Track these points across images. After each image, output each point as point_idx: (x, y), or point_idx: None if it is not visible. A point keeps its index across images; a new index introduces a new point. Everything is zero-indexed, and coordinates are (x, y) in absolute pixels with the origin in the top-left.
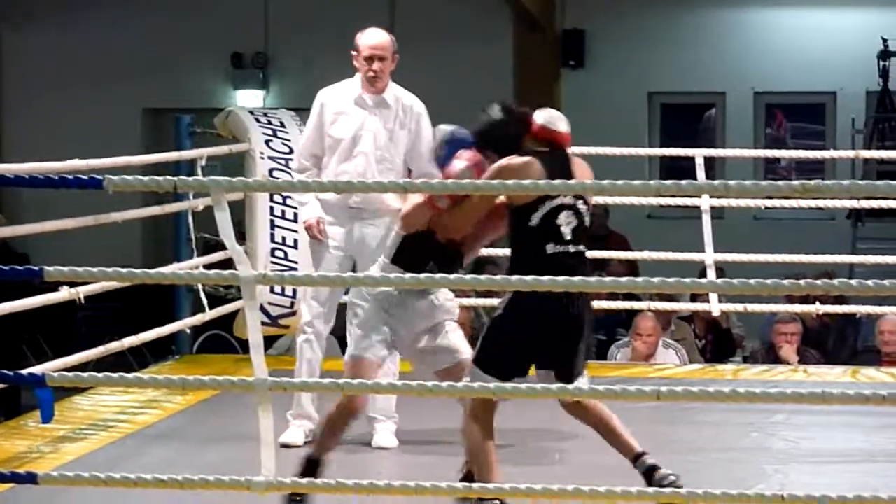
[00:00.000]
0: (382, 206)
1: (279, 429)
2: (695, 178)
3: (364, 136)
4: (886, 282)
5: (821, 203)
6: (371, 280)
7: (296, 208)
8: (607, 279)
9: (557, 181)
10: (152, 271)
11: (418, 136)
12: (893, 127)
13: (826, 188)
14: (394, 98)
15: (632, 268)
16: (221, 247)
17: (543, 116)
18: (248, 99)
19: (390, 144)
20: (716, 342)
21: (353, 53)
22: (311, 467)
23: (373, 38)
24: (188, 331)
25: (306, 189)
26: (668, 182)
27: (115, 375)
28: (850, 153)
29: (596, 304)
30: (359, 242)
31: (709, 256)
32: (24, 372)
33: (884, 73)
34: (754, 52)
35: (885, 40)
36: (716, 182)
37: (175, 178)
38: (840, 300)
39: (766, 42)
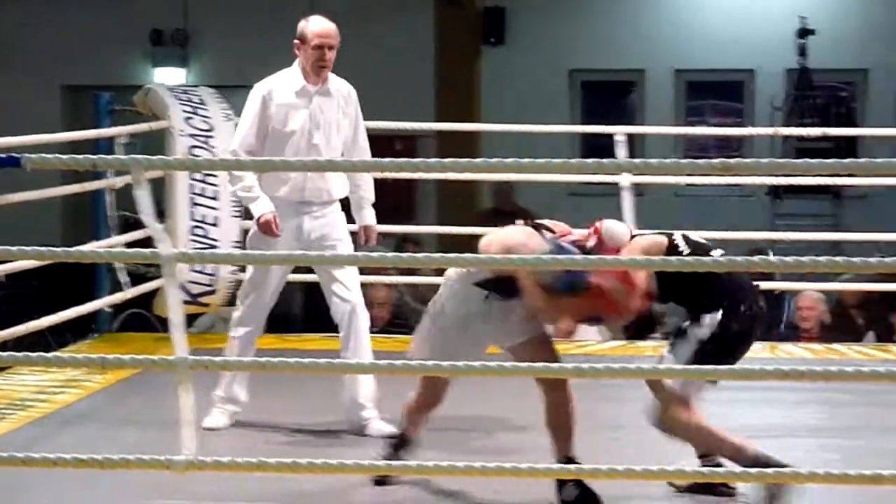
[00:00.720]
0: (330, 198)
1: (203, 409)
2: (615, 156)
3: (313, 129)
4: (806, 258)
5: (740, 180)
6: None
7: (216, 186)
8: (530, 257)
9: None
10: (72, 249)
11: (357, 123)
12: (811, 104)
13: (745, 166)
14: (334, 87)
15: None
16: (141, 225)
17: None
18: (167, 76)
19: (336, 135)
20: (637, 319)
21: (297, 42)
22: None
23: (322, 26)
24: (108, 309)
25: (231, 167)
26: (590, 160)
27: (33, 355)
28: (769, 131)
29: None
30: (308, 236)
31: None
32: None
33: (802, 52)
34: (674, 31)
35: (803, 18)
36: (636, 160)
37: (94, 157)
38: (767, 276)
39: (686, 20)
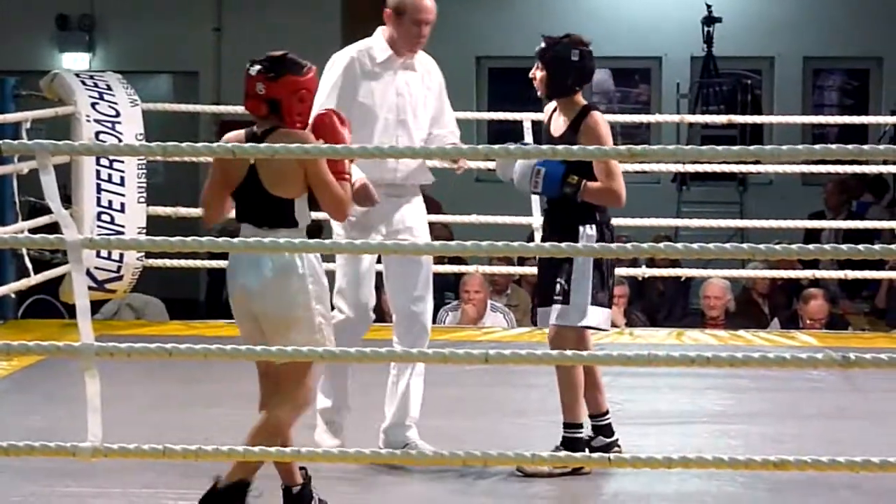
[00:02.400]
0: (417, 181)
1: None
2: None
3: (402, 105)
4: (711, 245)
5: (647, 167)
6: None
7: (123, 171)
8: (437, 243)
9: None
10: None
11: (442, 99)
12: (717, 92)
13: (652, 153)
14: (417, 60)
15: (449, 232)
16: (47, 210)
17: None
18: (73, 61)
19: (424, 111)
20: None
21: (389, 12)
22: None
23: (428, 1)
24: (13, 295)
25: (135, 152)
26: (496, 146)
27: None
28: (676, 118)
29: None
30: (399, 223)
31: (536, 220)
32: None
33: (708, 39)
34: (581, 17)
35: (709, 6)
36: (544, 146)
37: (0, 141)
38: (674, 263)
39: (595, 7)
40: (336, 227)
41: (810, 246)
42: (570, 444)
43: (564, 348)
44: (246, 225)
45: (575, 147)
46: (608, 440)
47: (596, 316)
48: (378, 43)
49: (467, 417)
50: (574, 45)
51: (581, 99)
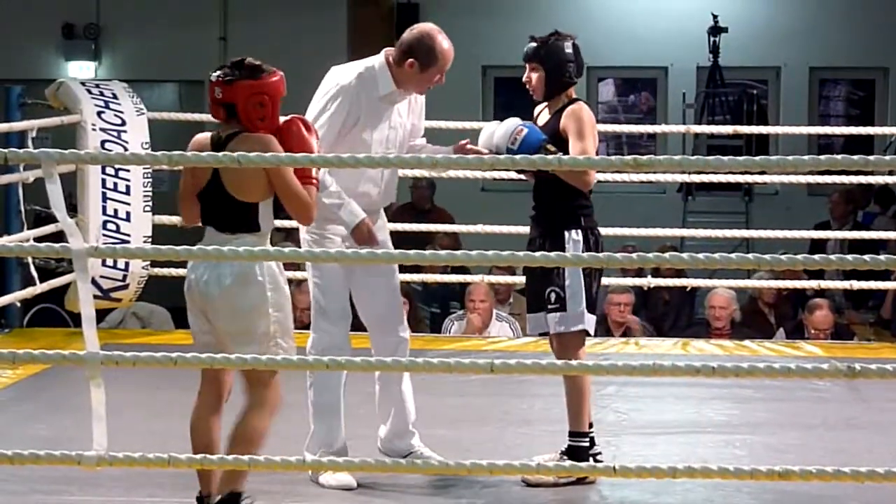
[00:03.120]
0: (391, 200)
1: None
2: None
3: (392, 138)
4: (717, 255)
5: (652, 177)
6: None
7: (128, 180)
8: (442, 252)
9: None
10: None
11: (422, 114)
12: (723, 102)
13: (657, 163)
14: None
15: (456, 242)
16: (52, 219)
17: None
18: (79, 70)
19: (406, 141)
20: None
21: (413, 57)
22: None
23: (451, 50)
24: (18, 304)
25: (142, 162)
26: (502, 156)
27: None
28: (682, 128)
29: (430, 277)
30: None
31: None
32: None
33: (714, 49)
34: (587, 27)
35: (715, 16)
36: (549, 156)
37: (6, 150)
38: (679, 273)
39: (599, 17)
40: (308, 243)
41: (816, 256)
42: (574, 452)
43: (571, 355)
44: (209, 228)
45: (581, 157)
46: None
47: (591, 322)
48: (383, 74)
49: (472, 427)
50: (565, 40)
51: (573, 93)
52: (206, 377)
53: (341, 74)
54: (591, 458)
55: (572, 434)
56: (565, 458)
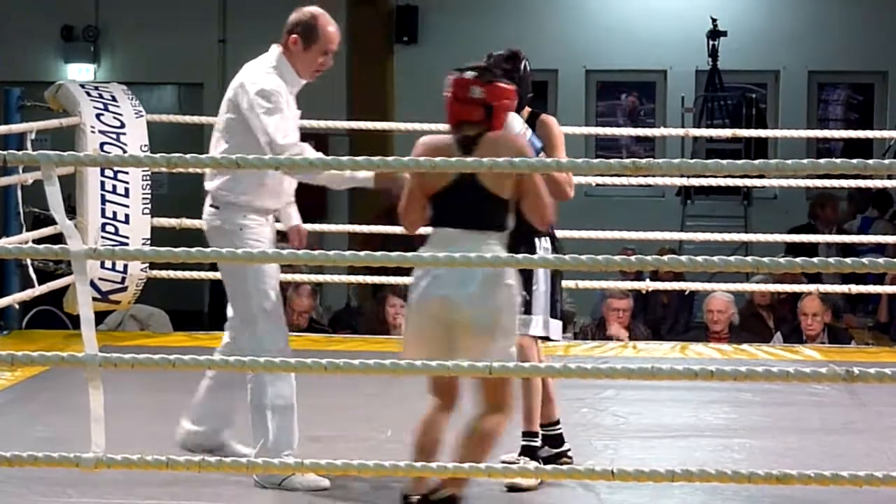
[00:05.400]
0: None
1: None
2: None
3: (295, 129)
4: (716, 258)
5: (651, 180)
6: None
7: (127, 183)
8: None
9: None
10: None
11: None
12: (721, 105)
13: (656, 166)
14: None
15: None
16: (51, 221)
17: None
18: (78, 72)
19: None
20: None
21: (297, 37)
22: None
23: (336, 28)
24: (17, 306)
25: (142, 164)
26: (501, 159)
27: None
28: (680, 131)
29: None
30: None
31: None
32: None
33: (713, 53)
34: (586, 30)
35: (714, 20)
36: (548, 160)
37: (4, 152)
38: (678, 276)
39: (598, 20)
40: (246, 239)
41: (814, 259)
42: (530, 452)
43: (526, 357)
44: (448, 230)
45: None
46: (557, 450)
47: (556, 328)
48: (288, 68)
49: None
50: (523, 58)
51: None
52: (439, 386)
53: (268, 80)
54: (540, 460)
55: (527, 434)
56: (522, 458)
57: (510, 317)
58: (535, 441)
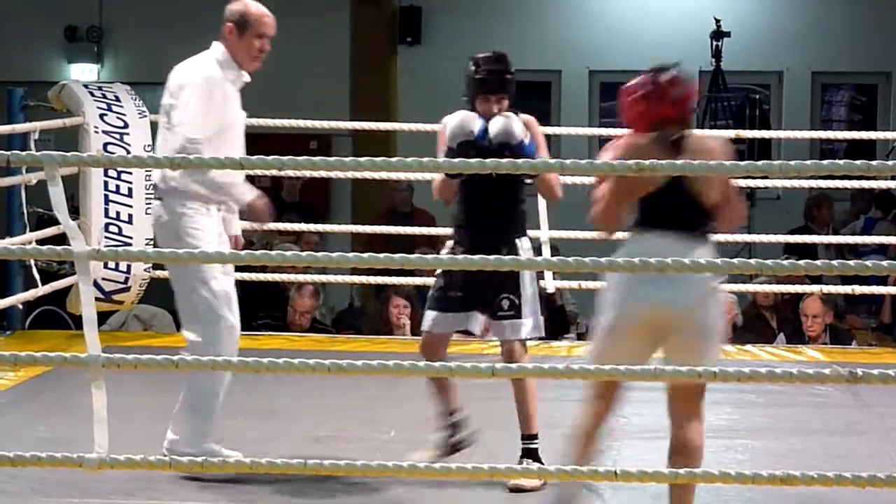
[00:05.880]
0: None
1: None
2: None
3: (240, 120)
4: (719, 260)
5: None
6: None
7: (130, 183)
8: (429, 257)
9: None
10: None
11: None
12: (725, 106)
13: (659, 168)
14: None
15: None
16: (55, 221)
17: None
18: (82, 72)
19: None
20: (550, 319)
21: (231, 26)
22: None
23: (266, 12)
24: (20, 306)
25: (145, 164)
26: (504, 160)
27: None
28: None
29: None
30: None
31: (544, 233)
32: None
33: (716, 53)
34: (589, 31)
35: (717, 20)
36: (552, 160)
37: (8, 153)
38: None
39: (601, 21)
40: (186, 227)
41: (818, 262)
42: (532, 455)
43: (524, 360)
44: (659, 233)
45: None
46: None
47: (542, 325)
48: (227, 59)
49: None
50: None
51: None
52: (604, 390)
53: (202, 71)
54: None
55: (527, 437)
56: (525, 460)
57: (722, 319)
58: (535, 443)
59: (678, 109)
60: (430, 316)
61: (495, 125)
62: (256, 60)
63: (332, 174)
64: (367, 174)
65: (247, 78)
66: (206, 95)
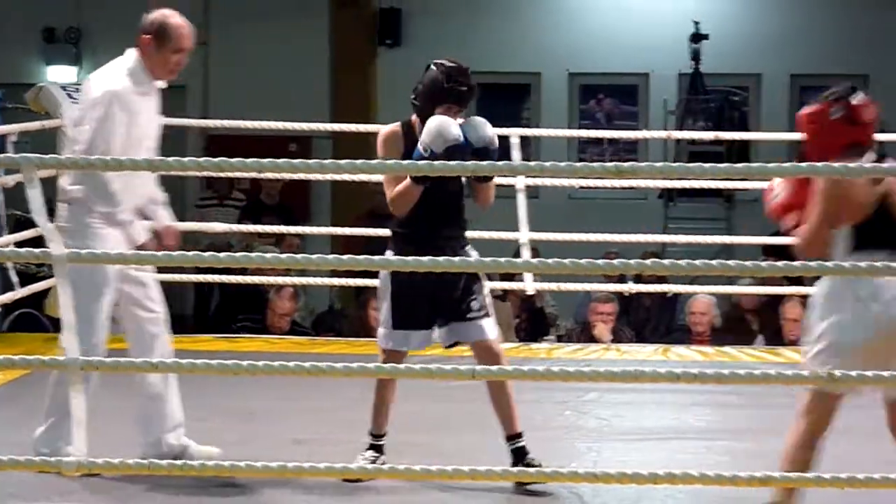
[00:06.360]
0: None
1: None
2: (510, 158)
3: (152, 133)
4: (698, 262)
5: (633, 183)
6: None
7: None
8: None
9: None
10: None
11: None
12: (703, 108)
13: (639, 170)
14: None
15: None
16: (33, 224)
17: None
18: (60, 74)
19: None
20: (530, 321)
21: (149, 38)
22: None
23: (188, 27)
24: None
25: (125, 167)
26: (484, 163)
27: None
28: (663, 134)
29: None
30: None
31: (524, 235)
32: None
33: (695, 56)
34: (569, 34)
35: (696, 23)
36: (531, 163)
37: None
38: (661, 279)
39: (581, 23)
40: (86, 240)
41: (796, 263)
42: (520, 454)
43: (499, 362)
44: (878, 252)
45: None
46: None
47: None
48: (140, 69)
49: (452, 433)
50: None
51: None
52: (827, 403)
53: (103, 82)
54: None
55: (513, 437)
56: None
57: None
58: (522, 441)
59: (869, 132)
60: (395, 335)
61: (477, 130)
62: (172, 74)
63: (312, 176)
64: (347, 176)
65: (161, 85)
66: (105, 116)
